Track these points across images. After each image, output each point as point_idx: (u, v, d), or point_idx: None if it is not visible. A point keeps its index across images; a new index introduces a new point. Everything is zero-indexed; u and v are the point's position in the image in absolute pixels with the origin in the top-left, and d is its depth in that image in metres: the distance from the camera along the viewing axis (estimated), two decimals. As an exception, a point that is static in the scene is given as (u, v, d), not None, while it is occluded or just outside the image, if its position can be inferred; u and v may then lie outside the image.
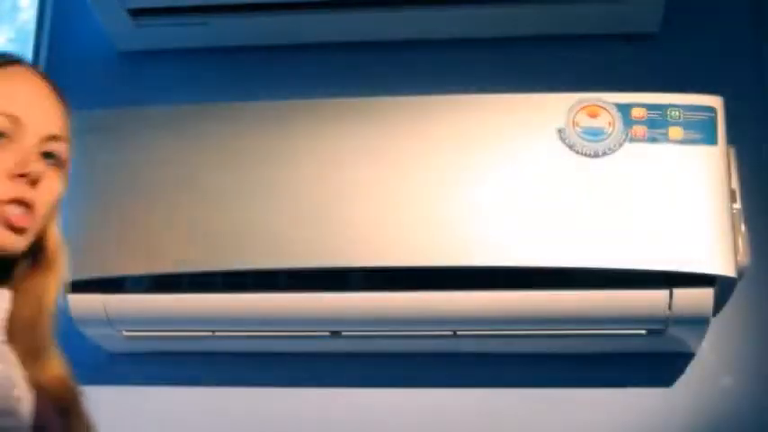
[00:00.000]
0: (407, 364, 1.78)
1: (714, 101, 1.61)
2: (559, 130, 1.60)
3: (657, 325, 1.59)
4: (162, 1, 1.84)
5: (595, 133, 1.60)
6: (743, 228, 1.64)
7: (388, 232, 1.58)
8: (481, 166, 1.60)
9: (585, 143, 1.59)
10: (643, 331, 1.62)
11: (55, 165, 1.16)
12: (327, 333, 1.68)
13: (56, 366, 1.19)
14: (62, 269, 1.19)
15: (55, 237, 1.19)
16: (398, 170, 1.61)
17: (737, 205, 1.64)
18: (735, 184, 1.65)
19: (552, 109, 1.61)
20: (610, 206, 1.56)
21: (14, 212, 1.10)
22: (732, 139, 1.62)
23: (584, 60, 1.89)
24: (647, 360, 1.75)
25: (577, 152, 1.59)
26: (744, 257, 1.61)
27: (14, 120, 1.12)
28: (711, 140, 1.59)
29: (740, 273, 1.57)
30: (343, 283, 1.61)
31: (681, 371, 1.76)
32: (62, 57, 2.03)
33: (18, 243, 1.12)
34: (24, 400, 1.11)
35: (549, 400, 1.77)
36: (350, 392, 1.81)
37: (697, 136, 1.59)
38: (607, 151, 1.59)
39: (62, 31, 2.05)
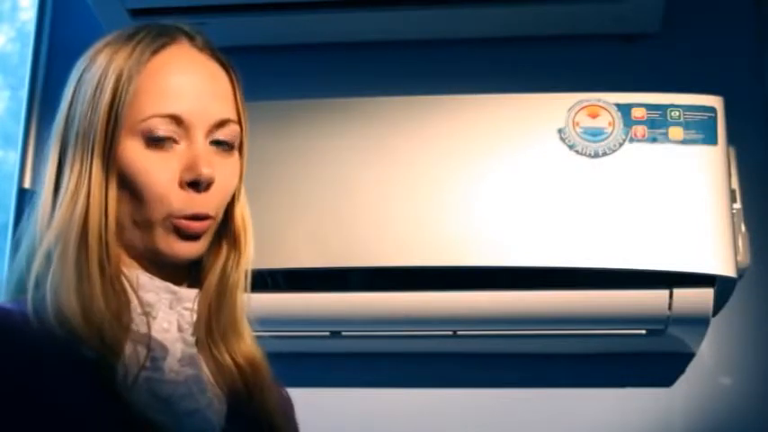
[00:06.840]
0: (407, 364, 1.78)
1: (714, 101, 1.61)
2: (559, 130, 1.60)
3: (657, 325, 1.59)
4: (162, 1, 1.84)
5: (595, 133, 1.59)
6: (743, 228, 1.64)
7: (388, 232, 1.58)
8: (481, 166, 1.60)
9: (585, 143, 1.59)
10: (643, 331, 1.62)
11: (228, 149, 1.06)
12: (327, 333, 1.68)
13: (246, 346, 1.10)
14: (248, 249, 1.10)
15: (239, 215, 1.10)
16: (398, 170, 1.61)
17: (737, 205, 1.64)
18: (735, 184, 1.65)
19: (552, 109, 1.61)
20: (610, 206, 1.56)
21: (188, 221, 1.02)
22: (732, 139, 1.62)
23: (584, 60, 1.89)
24: (647, 360, 1.75)
25: (577, 152, 1.59)
26: (744, 257, 1.61)
27: (174, 119, 1.02)
28: (711, 140, 1.59)
29: (740, 273, 1.57)
30: (344, 283, 1.61)
31: (681, 371, 1.76)
32: (62, 57, 2.03)
33: (194, 249, 1.04)
34: (216, 404, 1.06)
35: (550, 400, 1.77)
36: (349, 392, 1.81)
37: (697, 136, 1.59)
38: (607, 151, 1.59)
39: (62, 31, 2.05)
